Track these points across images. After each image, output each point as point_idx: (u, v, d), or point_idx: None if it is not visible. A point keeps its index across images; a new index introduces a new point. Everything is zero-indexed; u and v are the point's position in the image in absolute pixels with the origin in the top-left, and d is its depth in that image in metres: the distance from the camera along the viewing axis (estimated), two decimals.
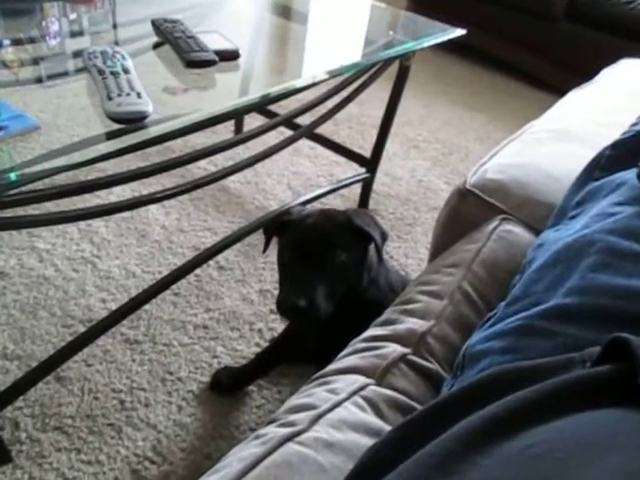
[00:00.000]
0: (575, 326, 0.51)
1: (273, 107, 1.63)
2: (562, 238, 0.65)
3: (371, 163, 1.70)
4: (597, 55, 1.98)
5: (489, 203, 0.84)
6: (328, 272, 0.88)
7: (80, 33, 1.27)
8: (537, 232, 0.79)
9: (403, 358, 0.63)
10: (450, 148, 2.18)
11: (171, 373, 1.15)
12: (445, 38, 1.44)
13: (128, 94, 0.83)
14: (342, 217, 0.93)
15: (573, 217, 0.71)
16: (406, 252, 1.59)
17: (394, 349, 0.64)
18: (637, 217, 0.59)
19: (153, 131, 0.82)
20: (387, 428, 0.54)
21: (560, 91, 1.40)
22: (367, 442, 0.50)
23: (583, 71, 1.66)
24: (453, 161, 2.08)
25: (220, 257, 1.43)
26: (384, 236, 0.95)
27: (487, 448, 0.34)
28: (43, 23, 1.27)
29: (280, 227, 0.95)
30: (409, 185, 1.91)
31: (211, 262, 1.41)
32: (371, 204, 1.77)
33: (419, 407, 0.58)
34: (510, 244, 0.77)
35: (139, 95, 0.83)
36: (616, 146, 0.79)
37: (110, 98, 0.82)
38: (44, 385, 1.07)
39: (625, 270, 0.53)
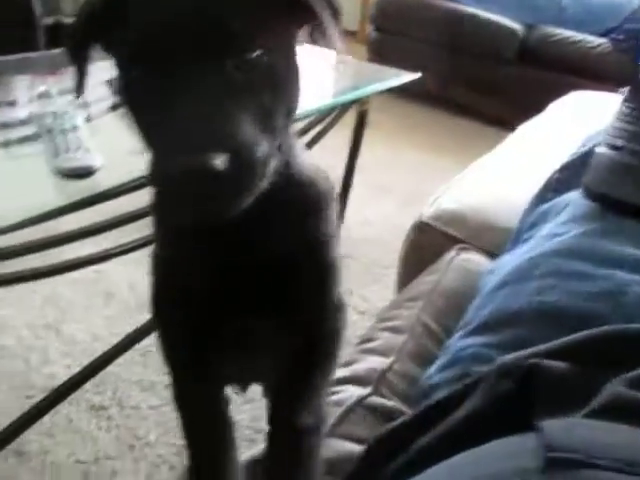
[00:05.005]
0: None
1: None
2: (510, 262, 0.64)
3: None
4: (548, 92, 2.05)
5: (446, 233, 0.83)
6: (245, 90, 0.37)
7: (45, 102, 1.29)
8: (496, 258, 0.78)
9: (361, 402, 0.61)
10: (417, 190, 2.20)
11: (139, 438, 1.09)
12: (398, 83, 1.48)
13: (76, 150, 0.83)
14: None
15: (525, 240, 0.71)
16: (383, 295, 1.57)
17: (351, 393, 0.62)
18: (581, 236, 0.59)
19: (106, 182, 0.81)
20: None
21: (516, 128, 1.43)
22: None
23: (536, 108, 1.71)
24: (421, 202, 2.10)
25: None
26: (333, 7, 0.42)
27: None
28: (11, 95, 1.28)
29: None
30: (380, 228, 1.91)
31: None
32: (344, 249, 1.76)
33: None
34: (468, 272, 0.76)
35: (87, 150, 0.83)
36: (564, 168, 0.80)
37: (58, 155, 0.82)
38: (2, 461, 1.01)
39: (571, 290, 0.53)
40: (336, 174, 1.75)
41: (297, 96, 0.42)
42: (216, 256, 0.47)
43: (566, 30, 2.77)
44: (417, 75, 1.53)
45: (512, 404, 0.40)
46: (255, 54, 0.37)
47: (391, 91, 1.48)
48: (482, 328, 0.55)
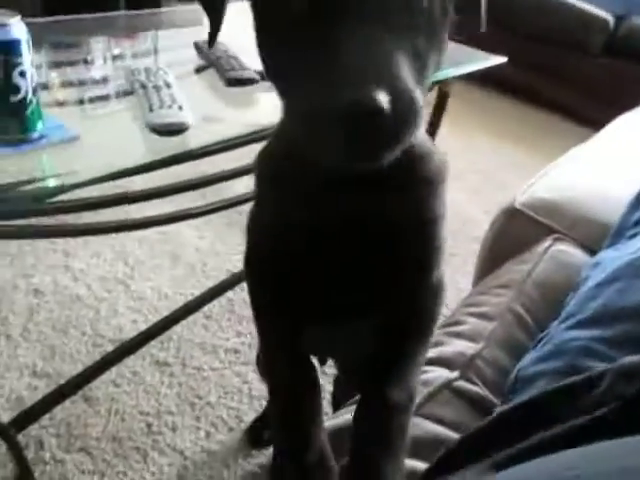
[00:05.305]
0: (638, 354, 0.47)
1: None
2: (621, 257, 0.61)
3: None
4: (636, 89, 1.94)
5: (539, 222, 0.79)
6: (405, 33, 0.35)
7: (123, 63, 1.30)
8: (591, 252, 0.75)
9: (448, 385, 0.59)
10: (489, 179, 2.14)
11: (200, 397, 1.11)
12: (484, 65, 1.42)
13: (170, 106, 0.83)
14: None
15: (633, 236, 0.67)
16: (448, 281, 1.54)
17: (438, 375, 0.60)
18: None
19: (193, 142, 0.81)
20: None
21: (600, 125, 1.34)
22: None
23: (623, 105, 1.61)
24: (491, 192, 2.04)
25: None
26: None
27: None
28: (89, 56, 1.30)
29: None
30: (448, 215, 1.87)
31: (244, 285, 1.39)
32: None
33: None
34: (564, 264, 0.73)
35: (180, 108, 0.83)
36: None
37: (152, 110, 0.82)
38: (71, 404, 1.05)
39: None
40: None
41: (445, 50, 0.40)
42: (323, 220, 0.46)
43: None
44: (504, 59, 1.47)
45: (634, 408, 0.38)
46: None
47: (467, 76, 1.43)
48: (590, 321, 0.52)
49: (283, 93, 0.38)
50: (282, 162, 0.47)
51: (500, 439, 0.42)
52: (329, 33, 0.33)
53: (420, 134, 0.47)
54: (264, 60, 0.39)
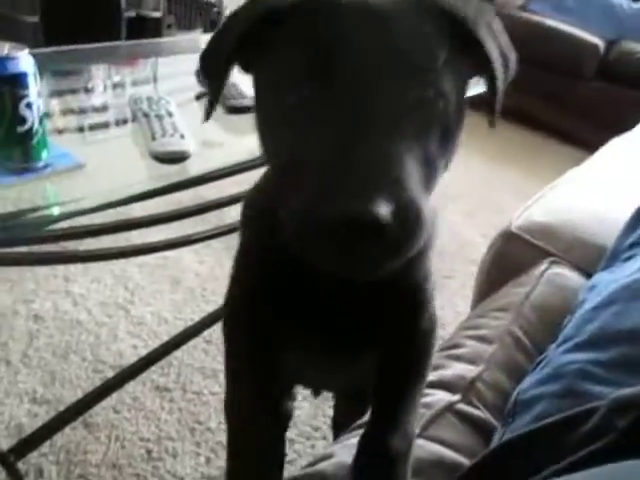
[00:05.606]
0: (634, 377, 0.48)
1: None
2: (617, 280, 0.62)
3: None
4: (630, 112, 1.97)
5: (536, 246, 0.81)
6: (416, 134, 0.33)
7: (124, 90, 1.33)
8: (587, 275, 0.76)
9: (451, 408, 0.59)
10: (484, 202, 2.16)
11: (200, 423, 1.11)
12: (481, 90, 1.44)
13: (172, 135, 0.85)
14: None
15: (628, 259, 0.68)
16: (442, 304, 1.55)
17: (440, 398, 0.61)
18: None
19: (194, 169, 0.83)
20: None
21: (593, 148, 1.36)
22: None
23: (615, 128, 1.63)
24: (488, 214, 2.05)
25: None
26: (506, 59, 0.40)
27: None
28: (90, 83, 1.32)
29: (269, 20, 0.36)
30: (444, 238, 1.88)
31: None
32: None
33: (464, 460, 0.54)
34: (561, 287, 0.74)
35: (182, 136, 0.85)
36: None
37: (154, 138, 0.84)
38: (71, 431, 1.04)
39: None
40: None
41: (455, 152, 0.37)
42: (307, 277, 0.42)
43: None
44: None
45: (628, 439, 0.38)
46: (433, 94, 0.33)
47: None
48: (587, 344, 0.53)
49: (276, 167, 0.37)
50: (267, 218, 0.42)
51: (506, 469, 0.43)
52: (332, 122, 0.30)
53: None
54: (262, 139, 0.38)
